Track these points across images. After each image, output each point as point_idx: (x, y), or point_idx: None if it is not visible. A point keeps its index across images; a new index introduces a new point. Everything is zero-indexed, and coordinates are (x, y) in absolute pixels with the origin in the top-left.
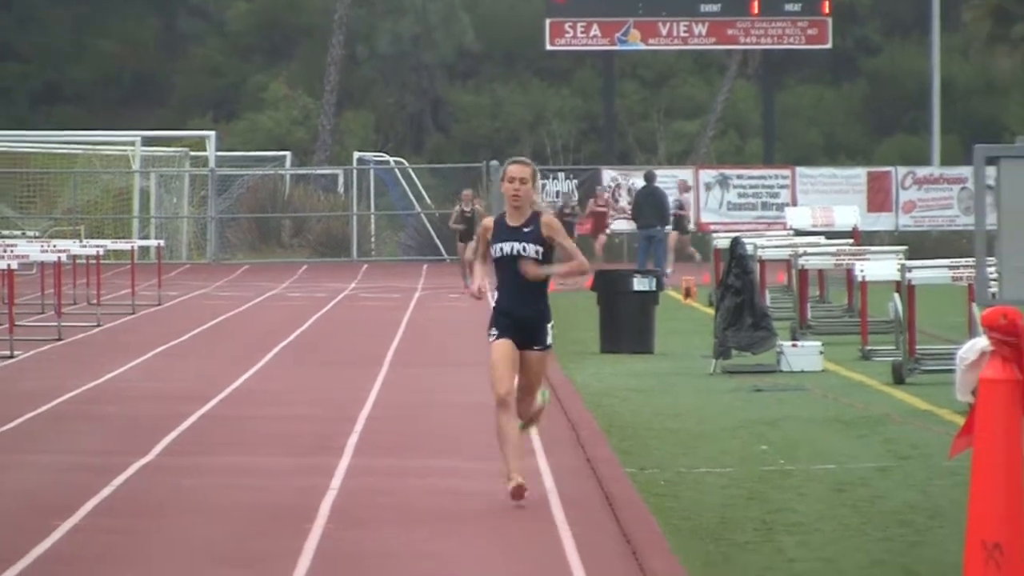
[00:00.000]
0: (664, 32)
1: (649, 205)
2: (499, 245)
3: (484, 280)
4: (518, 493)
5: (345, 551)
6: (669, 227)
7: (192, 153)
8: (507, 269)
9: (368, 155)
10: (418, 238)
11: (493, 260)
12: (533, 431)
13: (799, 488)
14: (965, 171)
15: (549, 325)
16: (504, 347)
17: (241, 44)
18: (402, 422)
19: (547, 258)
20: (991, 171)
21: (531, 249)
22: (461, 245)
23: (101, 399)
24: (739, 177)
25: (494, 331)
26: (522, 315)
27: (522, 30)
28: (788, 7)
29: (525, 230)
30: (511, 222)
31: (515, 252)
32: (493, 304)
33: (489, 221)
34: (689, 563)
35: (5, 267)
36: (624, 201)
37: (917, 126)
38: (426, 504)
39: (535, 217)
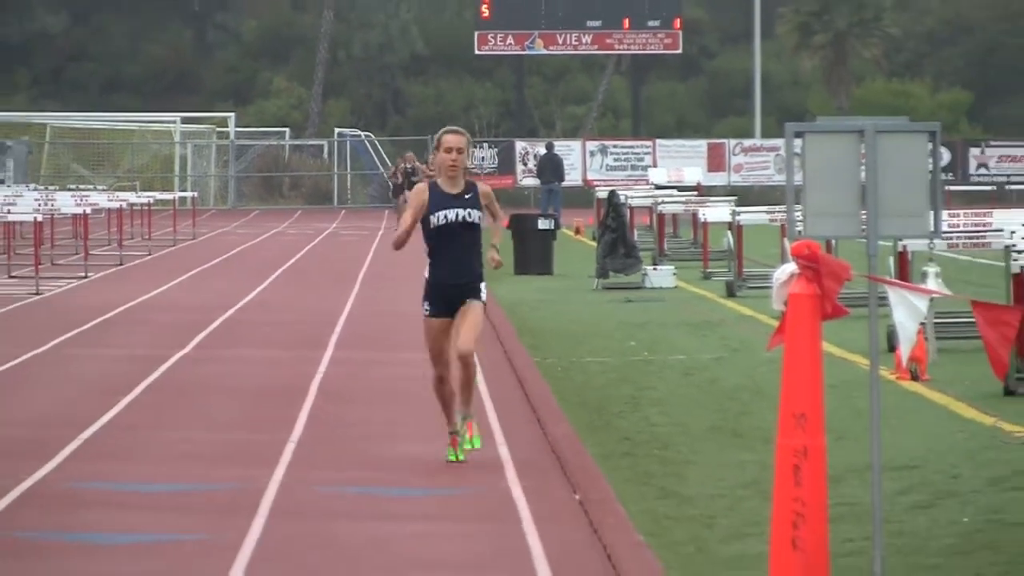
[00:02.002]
0: (560, 41)
1: (549, 167)
2: (441, 213)
3: (407, 229)
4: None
5: (329, 418)
6: (563, 182)
7: (217, 129)
8: (446, 236)
9: (346, 131)
10: (381, 191)
11: (433, 228)
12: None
13: (658, 373)
14: (779, 142)
15: (483, 284)
16: (439, 328)
17: (253, 50)
18: (370, 325)
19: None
20: (798, 142)
21: (475, 215)
22: (402, 196)
23: (151, 308)
24: (615, 147)
25: (427, 307)
26: (458, 283)
27: (458, 40)
28: (650, 23)
29: (466, 196)
30: (448, 189)
31: (460, 219)
32: (427, 274)
33: (423, 188)
34: (578, 428)
35: (81, 212)
36: (531, 164)
37: (743, 110)
38: (388, 385)
39: (472, 185)
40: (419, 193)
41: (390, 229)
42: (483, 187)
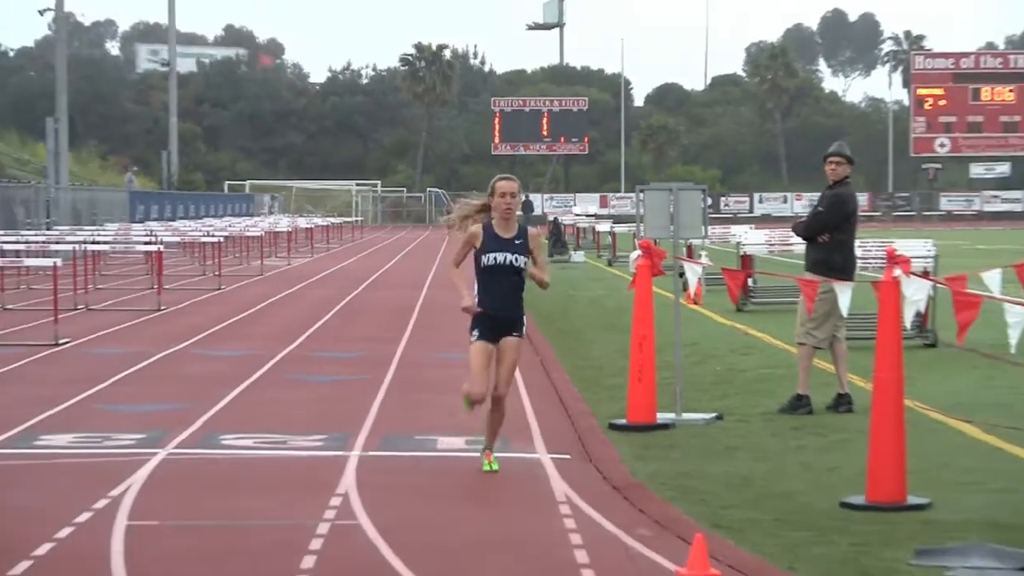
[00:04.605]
0: (531, 148)
1: (527, 206)
2: (492, 255)
3: (470, 293)
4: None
5: (425, 321)
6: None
7: (372, 188)
8: (495, 276)
9: (433, 189)
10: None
11: (483, 267)
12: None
13: (578, 301)
14: (632, 194)
15: (524, 318)
16: (483, 351)
17: (389, 151)
18: (446, 277)
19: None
20: (643, 195)
21: (521, 260)
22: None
23: (337, 275)
24: (557, 197)
25: (475, 332)
26: (504, 316)
27: (486, 144)
28: (573, 139)
29: (516, 242)
30: (501, 233)
31: (508, 262)
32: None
33: (477, 229)
34: (539, 325)
35: (309, 226)
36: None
37: (616, 179)
38: (456, 305)
39: (523, 230)
40: (474, 234)
41: (448, 238)
42: (533, 232)
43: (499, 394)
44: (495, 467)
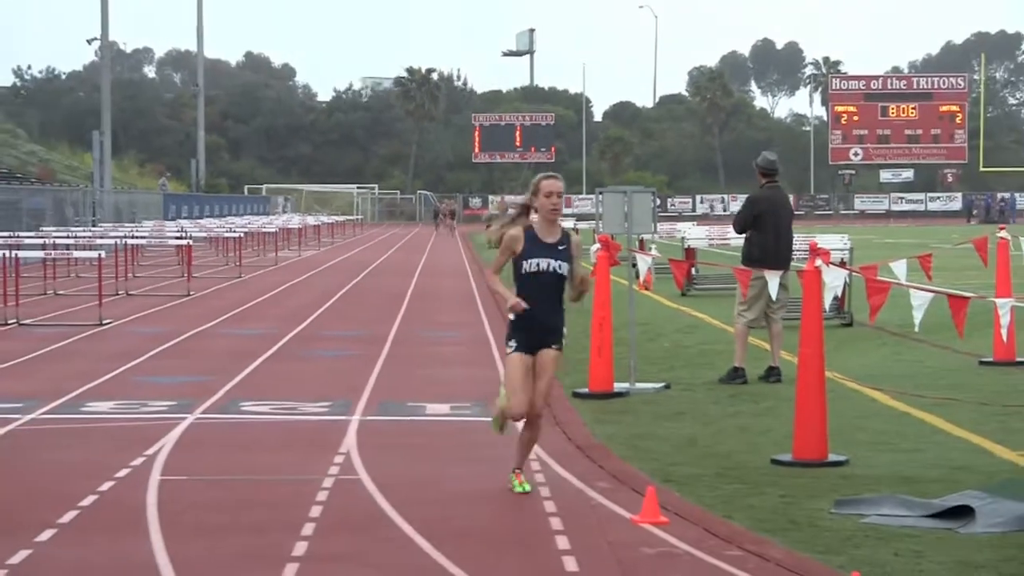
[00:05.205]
0: (505, 157)
1: (503, 206)
2: (535, 260)
3: (512, 292)
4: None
5: (416, 304)
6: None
7: (371, 191)
8: (536, 283)
9: (423, 192)
10: (434, 217)
11: (524, 273)
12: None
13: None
14: (592, 196)
15: (564, 330)
16: (522, 364)
17: (386, 159)
18: (433, 268)
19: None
20: (602, 196)
21: (564, 267)
22: (439, 220)
23: (340, 265)
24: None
25: (513, 343)
26: (543, 328)
27: (467, 154)
28: (541, 149)
29: (560, 247)
30: (545, 238)
31: (551, 269)
32: (511, 315)
33: (518, 232)
34: None
35: (317, 224)
36: (492, 207)
37: (579, 182)
38: (440, 292)
39: (566, 236)
40: (514, 237)
41: (435, 234)
42: (576, 239)
43: (535, 412)
44: (527, 488)
